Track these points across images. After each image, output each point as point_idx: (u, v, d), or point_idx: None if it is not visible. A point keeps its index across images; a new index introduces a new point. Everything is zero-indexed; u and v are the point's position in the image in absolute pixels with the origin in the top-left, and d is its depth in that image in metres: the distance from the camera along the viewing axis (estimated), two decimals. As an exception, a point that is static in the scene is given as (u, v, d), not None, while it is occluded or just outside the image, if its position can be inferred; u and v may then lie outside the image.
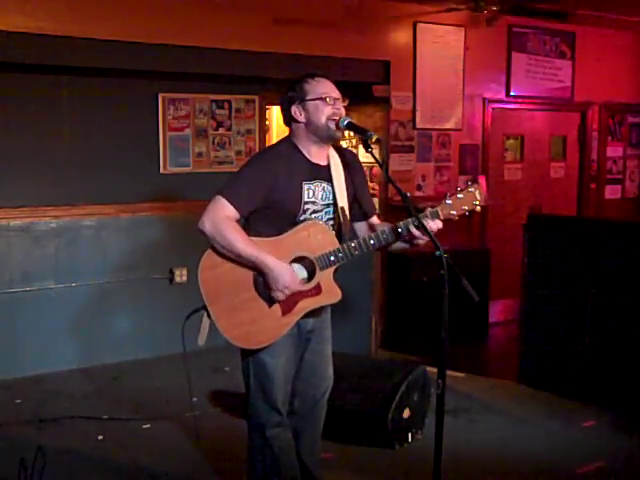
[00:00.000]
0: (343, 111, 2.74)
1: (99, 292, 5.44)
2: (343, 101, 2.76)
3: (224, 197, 2.65)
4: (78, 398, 4.71)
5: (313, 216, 2.74)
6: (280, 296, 2.66)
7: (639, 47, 7.49)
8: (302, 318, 2.76)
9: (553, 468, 3.72)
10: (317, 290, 2.72)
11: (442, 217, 2.64)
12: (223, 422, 4.24)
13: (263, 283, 2.68)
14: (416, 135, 6.24)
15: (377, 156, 2.68)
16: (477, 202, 2.65)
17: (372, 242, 2.69)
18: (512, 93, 6.75)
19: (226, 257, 2.67)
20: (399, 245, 2.76)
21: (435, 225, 2.63)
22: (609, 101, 7.40)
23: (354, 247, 2.69)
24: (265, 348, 2.74)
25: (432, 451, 2.44)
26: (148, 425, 4.24)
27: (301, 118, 2.74)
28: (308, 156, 2.77)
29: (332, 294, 2.75)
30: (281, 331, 2.72)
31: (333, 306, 2.89)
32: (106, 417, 4.34)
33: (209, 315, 2.71)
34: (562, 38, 6.99)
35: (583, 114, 7.33)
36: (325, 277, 2.71)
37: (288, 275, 2.64)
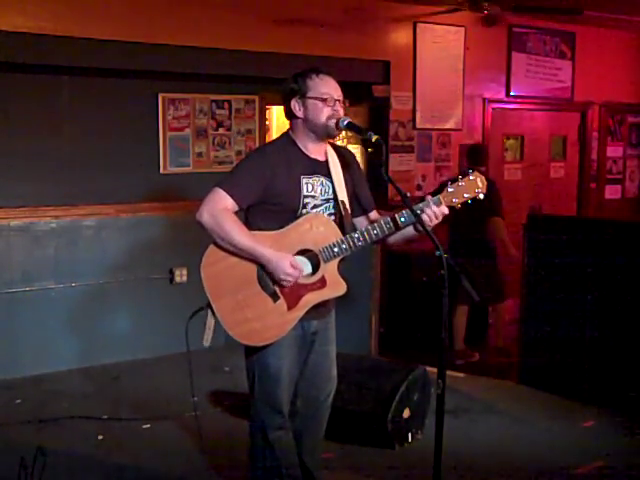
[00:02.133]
0: (342, 112, 2.72)
1: (99, 292, 5.44)
2: (343, 103, 2.75)
3: (222, 189, 2.65)
4: (78, 398, 4.70)
5: (314, 210, 2.73)
6: (285, 284, 2.64)
7: (639, 47, 7.49)
8: (306, 320, 2.74)
9: (553, 468, 3.71)
10: (322, 283, 2.69)
11: (444, 204, 2.63)
12: (223, 422, 4.23)
13: (266, 278, 2.66)
14: (416, 135, 6.25)
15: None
16: (479, 189, 2.63)
17: (375, 232, 2.67)
18: (512, 93, 6.75)
19: (228, 252, 2.65)
20: (400, 236, 2.74)
21: (441, 211, 2.62)
22: (609, 101, 7.40)
23: (357, 237, 2.67)
24: (269, 350, 2.72)
25: (432, 451, 2.45)
26: (148, 425, 4.24)
27: (300, 114, 2.73)
28: (306, 151, 2.77)
29: (337, 286, 2.73)
30: (287, 327, 2.70)
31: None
32: (106, 417, 4.34)
33: (214, 314, 2.69)
34: (562, 38, 7.00)
35: (583, 114, 7.34)
36: (329, 269, 2.69)
37: (287, 262, 2.61)
